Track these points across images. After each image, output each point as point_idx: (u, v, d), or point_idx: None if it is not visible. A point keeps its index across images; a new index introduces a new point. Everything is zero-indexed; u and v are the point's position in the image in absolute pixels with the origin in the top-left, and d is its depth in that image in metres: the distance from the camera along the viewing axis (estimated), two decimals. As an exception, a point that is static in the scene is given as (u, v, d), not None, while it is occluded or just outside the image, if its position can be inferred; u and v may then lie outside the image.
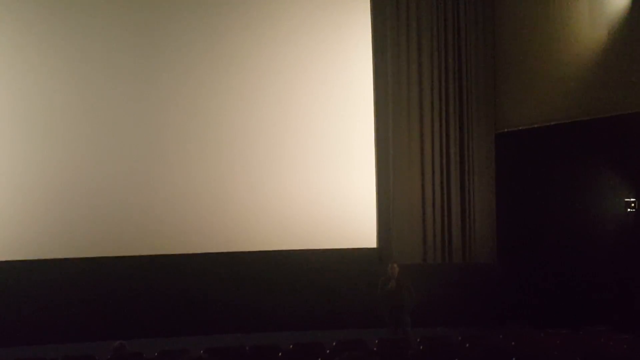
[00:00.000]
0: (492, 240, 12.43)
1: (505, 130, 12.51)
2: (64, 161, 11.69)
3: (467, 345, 7.89)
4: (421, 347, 8.07)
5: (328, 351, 7.89)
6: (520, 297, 11.80)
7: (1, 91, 11.54)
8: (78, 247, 11.59)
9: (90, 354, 8.35)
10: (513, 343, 7.96)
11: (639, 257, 10.46)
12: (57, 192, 11.61)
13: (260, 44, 12.32)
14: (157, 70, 12.06)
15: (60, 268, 11.46)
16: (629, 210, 10.72)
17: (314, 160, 12.37)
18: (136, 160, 11.94)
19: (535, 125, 11.97)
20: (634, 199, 10.66)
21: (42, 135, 11.64)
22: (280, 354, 7.85)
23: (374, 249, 12.39)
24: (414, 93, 12.50)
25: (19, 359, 9.05)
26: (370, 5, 12.64)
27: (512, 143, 12.38)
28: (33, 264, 11.40)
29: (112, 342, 8.16)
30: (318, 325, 11.14)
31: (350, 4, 12.63)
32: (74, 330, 11.06)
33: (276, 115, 12.34)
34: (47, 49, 11.69)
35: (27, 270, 11.37)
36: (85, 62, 11.82)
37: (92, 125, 11.84)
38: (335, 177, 12.35)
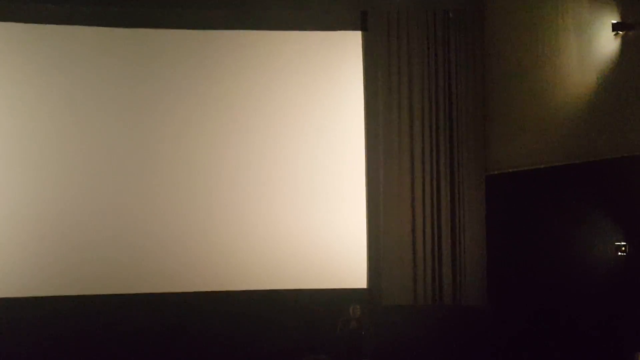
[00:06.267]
0: (483, 282, 12.41)
1: (496, 172, 12.57)
2: (57, 199, 11.73)
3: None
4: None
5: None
6: (510, 340, 11.73)
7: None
8: (68, 284, 11.57)
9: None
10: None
11: (629, 300, 10.44)
12: (48, 229, 11.65)
13: (252, 86, 12.45)
14: (149, 115, 12.22)
15: (51, 306, 11.44)
16: (619, 254, 10.72)
17: (305, 200, 12.39)
18: (128, 199, 11.99)
19: (526, 168, 12.02)
20: (624, 243, 10.67)
21: (37, 174, 11.73)
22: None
23: (364, 289, 12.35)
24: (404, 134, 12.57)
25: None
26: (362, 51, 12.78)
27: (502, 185, 12.42)
28: (24, 302, 11.35)
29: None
30: (308, 365, 11.07)
31: (343, 50, 12.78)
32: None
33: (266, 155, 12.41)
34: (45, 94, 11.88)
35: (18, 308, 11.31)
36: (81, 107, 11.99)
37: (86, 165, 11.93)
38: (326, 217, 12.38)
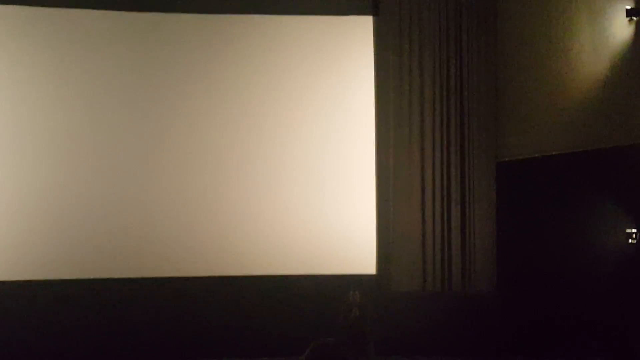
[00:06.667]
0: (492, 269, 12.36)
1: (507, 159, 12.49)
2: (63, 181, 11.72)
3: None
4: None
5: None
6: (519, 327, 11.70)
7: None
8: (73, 268, 11.57)
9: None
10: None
11: (639, 289, 10.39)
12: (55, 212, 11.64)
13: (261, 71, 12.39)
14: (156, 100, 12.13)
15: (54, 290, 11.44)
16: (630, 241, 10.66)
17: (314, 186, 12.35)
18: (134, 182, 11.96)
19: (537, 155, 11.95)
20: (634, 231, 10.60)
21: (40, 156, 11.70)
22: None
23: (373, 275, 12.32)
24: (415, 120, 12.50)
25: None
26: (373, 35, 12.70)
27: (513, 172, 12.36)
28: (28, 285, 11.37)
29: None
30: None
31: (353, 35, 12.69)
32: (71, 354, 10.98)
33: (275, 139, 12.36)
34: (46, 78, 11.81)
35: (21, 291, 11.33)
36: (89, 93, 11.93)
37: (91, 146, 11.90)
38: (335, 203, 12.33)
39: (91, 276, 11.61)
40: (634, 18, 10.33)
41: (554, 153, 11.66)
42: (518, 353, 11.39)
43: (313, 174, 12.37)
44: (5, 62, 11.71)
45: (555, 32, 11.72)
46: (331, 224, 12.24)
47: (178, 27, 12.25)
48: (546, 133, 11.83)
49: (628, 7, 10.36)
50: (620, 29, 10.59)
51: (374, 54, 12.65)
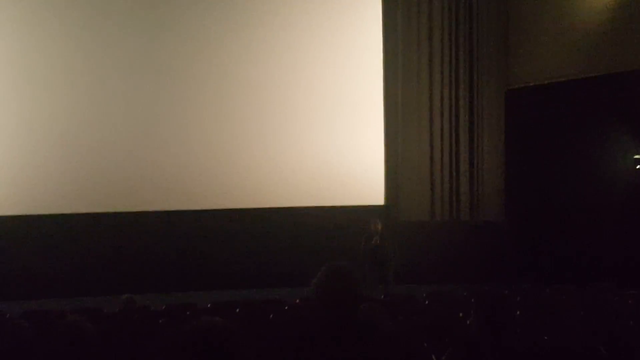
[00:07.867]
0: (501, 197, 12.37)
1: (516, 86, 12.37)
2: (72, 116, 11.69)
3: (473, 300, 7.86)
4: (426, 302, 8.10)
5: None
6: (527, 254, 11.77)
7: (5, 47, 11.50)
8: (87, 202, 11.62)
9: (98, 307, 8.39)
10: (518, 298, 7.94)
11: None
12: (65, 147, 11.61)
13: (270, 6, 12.20)
14: (168, 27, 11.99)
15: (69, 223, 11.51)
16: (638, 167, 10.63)
17: (323, 118, 12.30)
18: (145, 117, 11.94)
19: (546, 82, 11.83)
20: (643, 157, 10.57)
21: (49, 90, 11.61)
22: (286, 307, 7.89)
23: (381, 206, 12.37)
24: (423, 48, 12.36)
25: (28, 311, 9.10)
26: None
27: (522, 99, 12.26)
28: (44, 219, 11.43)
29: (119, 296, 8.20)
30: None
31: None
32: (82, 284, 11.12)
33: (285, 73, 12.27)
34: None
35: (37, 224, 11.39)
36: (92, 21, 11.74)
37: (101, 79, 11.82)
38: (344, 134, 12.29)
39: (104, 210, 11.68)
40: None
41: (564, 79, 11.53)
42: (526, 279, 11.47)
43: (322, 106, 12.29)
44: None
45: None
46: (340, 157, 12.20)
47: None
48: (556, 59, 11.69)
49: None
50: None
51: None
